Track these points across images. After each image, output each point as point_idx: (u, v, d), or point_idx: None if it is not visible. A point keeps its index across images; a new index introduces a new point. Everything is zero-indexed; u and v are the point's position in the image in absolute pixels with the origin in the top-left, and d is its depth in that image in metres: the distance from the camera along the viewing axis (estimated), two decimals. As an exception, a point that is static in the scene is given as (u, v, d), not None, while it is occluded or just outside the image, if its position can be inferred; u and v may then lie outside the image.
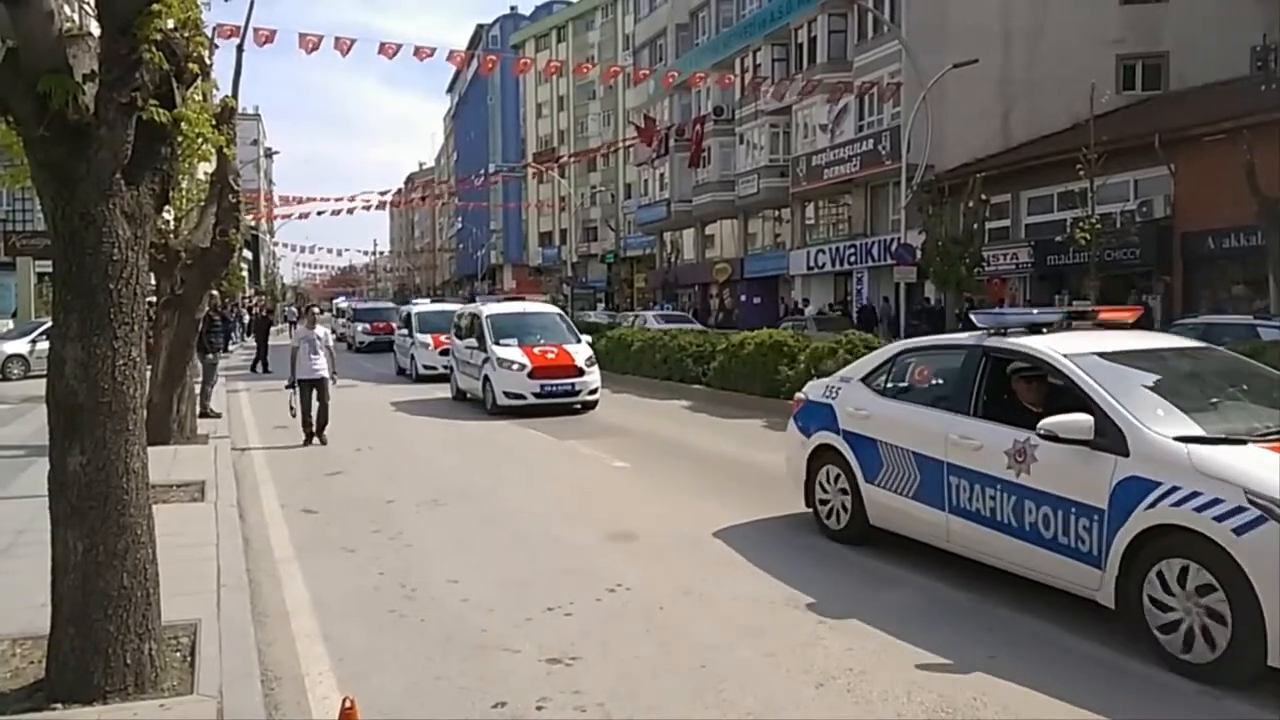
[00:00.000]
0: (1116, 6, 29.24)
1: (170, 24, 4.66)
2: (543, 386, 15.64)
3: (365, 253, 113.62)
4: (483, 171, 71.93)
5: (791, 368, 15.68)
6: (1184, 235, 22.19)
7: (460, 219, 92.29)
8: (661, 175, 47.03)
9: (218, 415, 14.94)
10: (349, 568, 7.09)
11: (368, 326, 35.78)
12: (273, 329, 32.93)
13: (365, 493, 9.83)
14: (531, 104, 76.44)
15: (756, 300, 39.75)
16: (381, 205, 47.08)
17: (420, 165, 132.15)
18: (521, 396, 15.58)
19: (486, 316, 17.19)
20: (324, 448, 12.88)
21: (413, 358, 22.96)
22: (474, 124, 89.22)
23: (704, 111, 42.32)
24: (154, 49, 4.38)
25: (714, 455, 11.56)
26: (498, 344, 16.21)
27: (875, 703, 4.61)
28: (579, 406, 16.18)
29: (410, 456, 12.21)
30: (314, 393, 12.87)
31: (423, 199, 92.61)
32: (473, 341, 17.05)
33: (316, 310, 13.96)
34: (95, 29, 4.47)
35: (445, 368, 20.09)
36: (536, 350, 16.06)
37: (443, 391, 19.39)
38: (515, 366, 15.70)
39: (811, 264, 36.19)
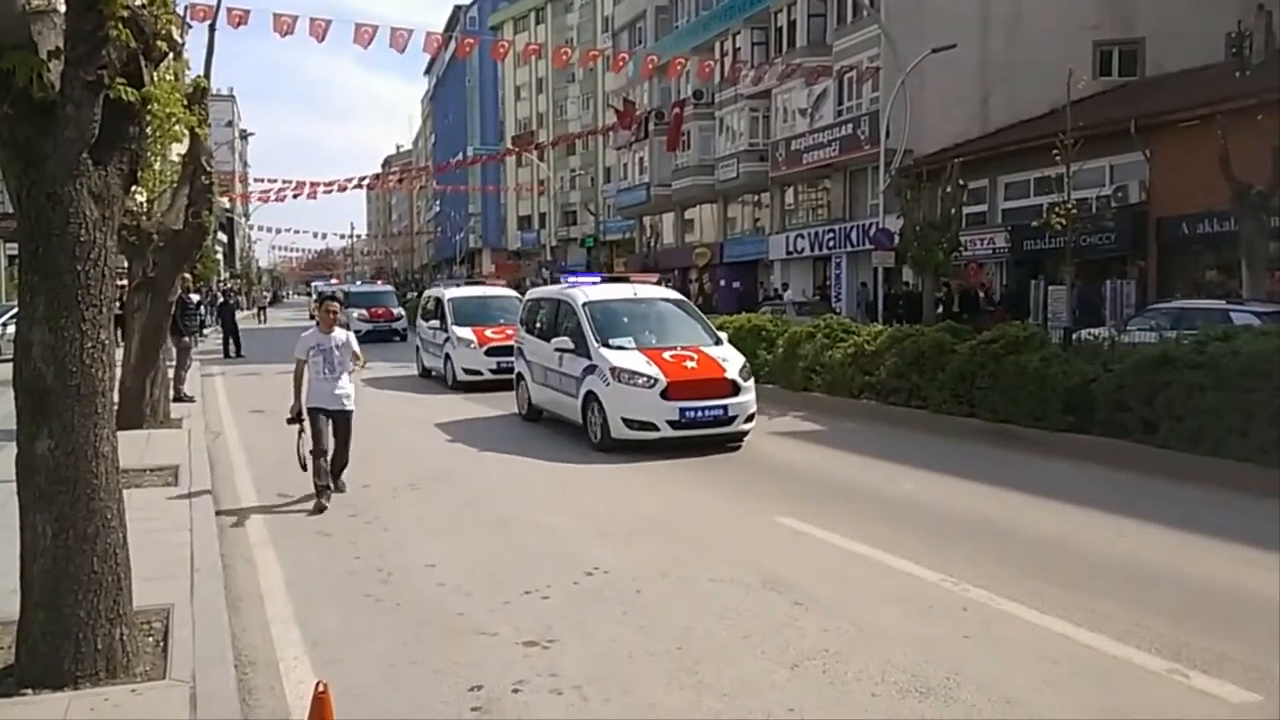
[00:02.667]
0: (1093, -8, 29.30)
1: (138, 1, 4.59)
2: (683, 412, 10.65)
3: (342, 236, 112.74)
4: (461, 154, 71.42)
5: (770, 351, 15.75)
6: (1159, 220, 22.35)
7: (438, 202, 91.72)
8: (641, 159, 46.87)
9: (191, 400, 14.80)
10: (324, 552, 7.06)
11: (364, 313, 32.09)
12: (239, 313, 32.70)
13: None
14: (510, 87, 75.90)
15: (736, 285, 39.76)
16: (359, 187, 46.65)
17: (398, 148, 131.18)
18: (651, 426, 10.66)
19: (583, 305, 12.02)
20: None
21: (448, 358, 17.97)
22: (452, 106, 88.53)
23: (683, 95, 42.17)
24: (121, 26, 4.30)
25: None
26: (605, 346, 11.33)
27: (850, 683, 4.64)
28: (730, 442, 11.11)
29: (386, 441, 12.14)
30: (329, 426, 8.45)
31: (400, 182, 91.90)
32: (565, 342, 11.88)
33: (335, 302, 9.16)
34: (61, 5, 4.38)
35: (494, 371, 16.83)
36: (668, 357, 11.18)
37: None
38: (643, 381, 10.74)
39: (791, 249, 36.22)
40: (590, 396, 11.22)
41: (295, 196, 40.92)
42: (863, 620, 5.45)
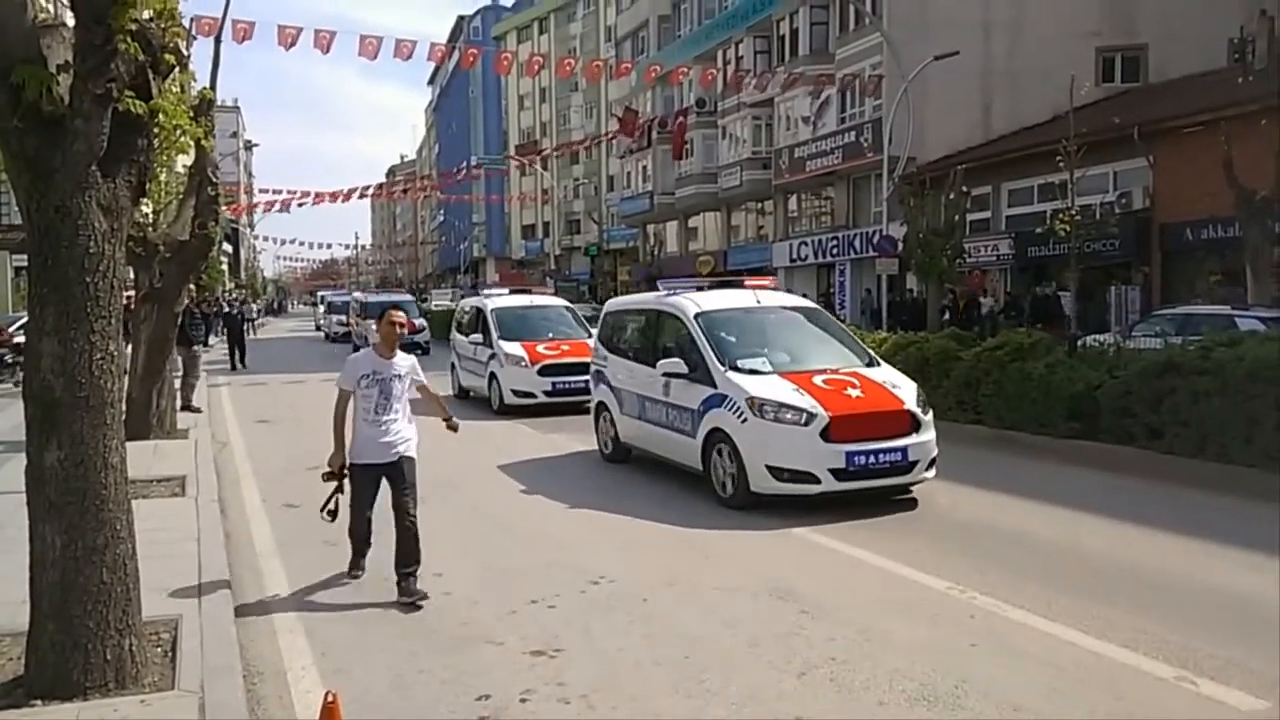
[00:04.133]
0: (1095, -1, 29.37)
1: (146, 14, 4.62)
2: (851, 458, 8.07)
3: (347, 246, 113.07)
4: (464, 164, 71.59)
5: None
6: (1163, 226, 22.33)
7: (442, 212, 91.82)
8: (644, 167, 46.93)
9: (199, 410, 14.84)
10: (331, 562, 7.06)
11: None
12: (248, 323, 32.63)
13: (348, 487, 9.76)
14: (513, 96, 76.11)
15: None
16: (363, 197, 46.76)
17: (402, 158, 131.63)
18: (808, 478, 8.06)
19: (695, 317, 9.51)
20: (307, 442, 12.76)
21: (493, 378, 15.52)
22: (455, 116, 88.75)
23: (686, 104, 42.25)
24: (129, 39, 4.34)
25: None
26: (734, 369, 8.83)
27: (857, 691, 4.64)
28: (904, 493, 8.69)
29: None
30: (376, 487, 6.35)
31: (404, 192, 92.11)
32: (674, 365, 9.32)
33: (402, 313, 6.52)
34: (70, 19, 4.42)
35: (549, 394, 14.74)
36: (821, 383, 8.57)
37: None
38: (795, 416, 8.17)
39: (794, 256, 36.24)
40: (716, 436, 8.64)
41: (300, 206, 41.05)
42: (870, 628, 5.44)
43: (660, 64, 34.85)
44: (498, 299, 17.31)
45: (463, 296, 57.16)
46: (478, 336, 16.38)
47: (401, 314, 6.25)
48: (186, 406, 14.50)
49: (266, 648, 5.32)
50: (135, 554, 4.59)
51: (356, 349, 31.45)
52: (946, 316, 21.42)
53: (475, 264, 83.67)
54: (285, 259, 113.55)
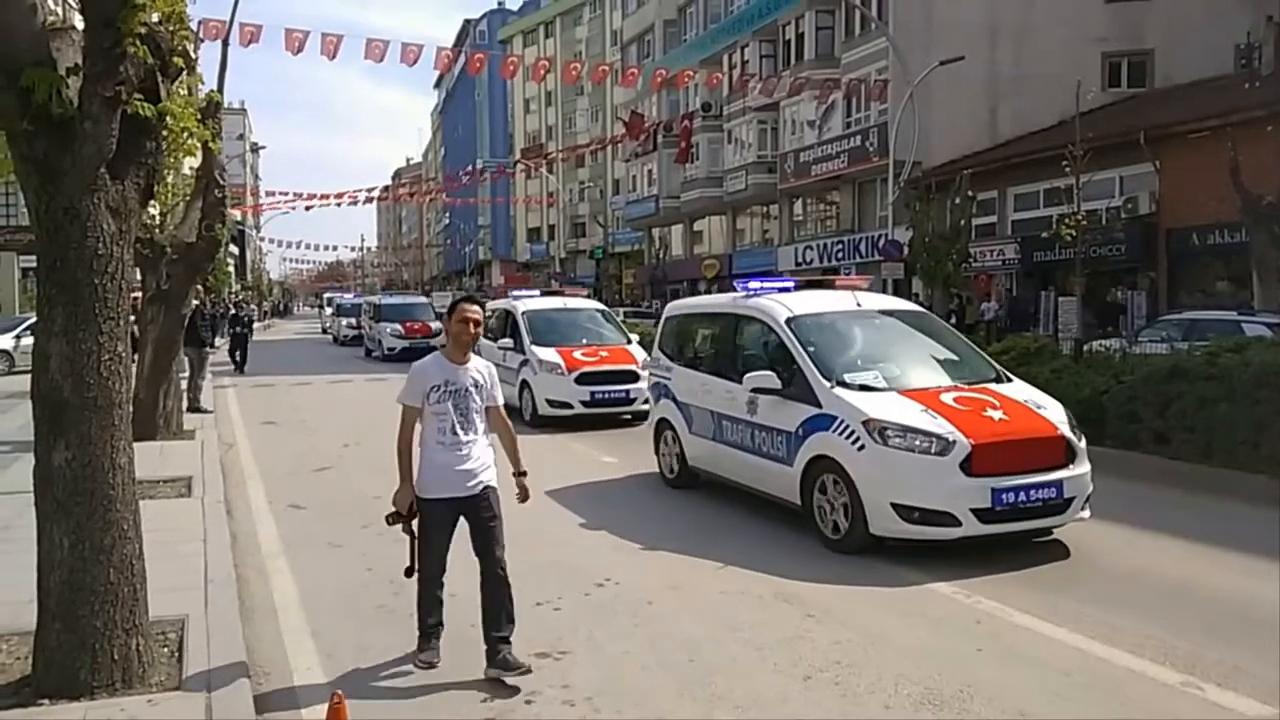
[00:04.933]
0: (1101, 4, 29.33)
1: (155, 17, 4.65)
2: (999, 495, 6.68)
3: (353, 248, 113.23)
4: (470, 167, 71.73)
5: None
6: (1169, 231, 22.31)
7: (448, 214, 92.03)
8: (650, 171, 46.99)
9: (209, 412, 14.89)
10: (337, 563, 7.08)
11: (398, 328, 28.39)
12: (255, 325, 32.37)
13: (353, 488, 9.80)
14: (519, 99, 76.25)
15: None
16: (369, 200, 46.89)
17: (408, 160, 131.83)
18: (946, 519, 6.67)
19: (787, 322, 8.10)
20: (313, 444, 12.80)
21: (525, 386, 14.40)
22: (461, 119, 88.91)
23: (692, 108, 42.30)
24: (138, 42, 4.35)
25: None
26: (841, 385, 7.41)
27: (863, 695, 4.63)
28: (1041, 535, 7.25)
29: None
30: (452, 527, 5.13)
31: (410, 195, 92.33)
32: (764, 379, 7.86)
33: (477, 308, 5.15)
34: (79, 22, 4.44)
35: (588, 404, 13.77)
36: (952, 401, 7.19)
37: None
38: (926, 444, 6.79)
39: (800, 260, 36.23)
40: (822, 465, 7.27)
41: (307, 209, 41.19)
42: (875, 632, 5.44)
43: (666, 68, 34.87)
44: (528, 301, 16.12)
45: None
46: (508, 342, 15.13)
47: (476, 308, 5.02)
48: (194, 407, 14.54)
49: (272, 648, 5.33)
50: (142, 554, 4.61)
51: (369, 353, 30.38)
52: (953, 320, 21.42)
53: (480, 267, 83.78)
54: (291, 261, 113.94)
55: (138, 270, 12.48)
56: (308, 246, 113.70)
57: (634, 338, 15.45)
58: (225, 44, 14.32)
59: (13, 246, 32.14)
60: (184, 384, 14.13)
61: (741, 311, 8.94)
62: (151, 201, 9.25)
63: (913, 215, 23.10)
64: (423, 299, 36.85)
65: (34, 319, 4.91)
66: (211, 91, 11.84)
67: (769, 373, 7.88)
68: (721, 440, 8.72)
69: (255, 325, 38.28)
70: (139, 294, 13.19)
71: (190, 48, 5.44)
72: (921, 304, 26.19)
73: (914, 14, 28.88)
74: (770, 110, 36.90)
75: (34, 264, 4.84)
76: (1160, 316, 18.31)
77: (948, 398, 7.25)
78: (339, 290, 77.75)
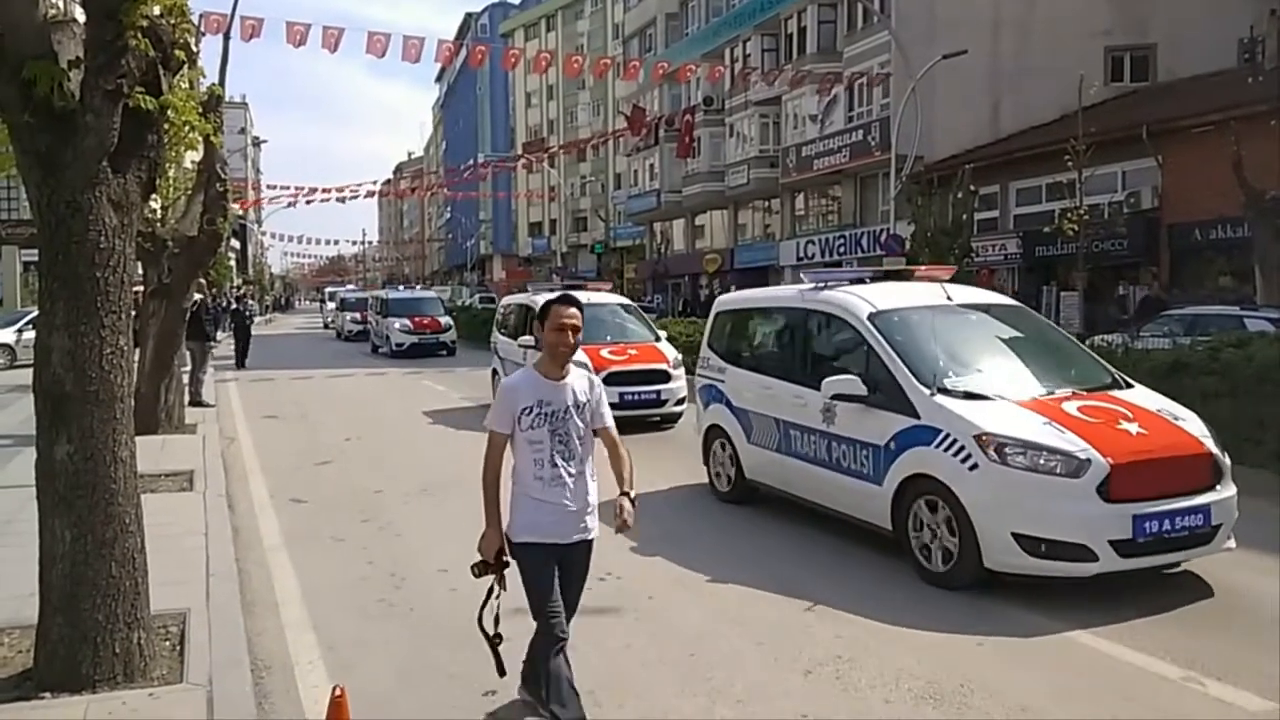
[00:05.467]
0: (1105, -2, 29.30)
1: (156, 10, 4.64)
2: (1141, 524, 5.70)
3: (354, 242, 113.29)
4: (472, 161, 71.74)
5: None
6: (1171, 226, 22.27)
7: (449, 209, 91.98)
8: (651, 165, 46.93)
9: (211, 406, 14.90)
10: (338, 557, 7.09)
11: (407, 322, 27.56)
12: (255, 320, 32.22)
13: (354, 482, 9.81)
14: (521, 93, 76.16)
15: (746, 291, 39.72)
16: (371, 194, 46.83)
17: (409, 155, 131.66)
18: (1080, 553, 5.70)
19: (869, 318, 7.12)
20: (314, 438, 12.80)
21: None
22: (463, 113, 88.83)
23: (694, 102, 42.23)
24: (140, 35, 4.35)
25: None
26: (944, 392, 6.44)
27: (864, 689, 4.64)
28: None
29: (398, 446, 12.18)
30: (556, 565, 4.22)
31: (411, 189, 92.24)
32: (845, 384, 6.91)
33: (576, 310, 4.09)
34: (80, 15, 4.43)
35: (617, 406, 10.43)
36: (1076, 413, 6.20)
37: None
38: (1052, 463, 5.82)
39: (801, 254, 36.18)
40: (921, 486, 6.31)
41: (308, 203, 41.12)
42: (875, 627, 5.44)
43: (668, 62, 34.87)
44: (549, 296, 15.44)
45: (472, 293, 56.60)
46: (528, 339, 13.80)
47: (576, 312, 4.04)
48: (196, 401, 14.55)
49: (274, 642, 5.34)
50: (144, 548, 4.61)
51: (375, 349, 29.67)
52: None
53: (482, 261, 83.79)
54: (293, 255, 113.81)
55: (139, 264, 12.48)
56: (309, 241, 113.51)
57: (661, 334, 14.80)
58: (227, 37, 14.32)
59: (15, 240, 32.14)
60: (186, 378, 14.14)
61: (813, 306, 7.82)
62: (153, 195, 9.25)
63: (914, 210, 23.04)
64: (431, 293, 35.99)
65: (36, 313, 4.90)
66: (213, 85, 11.82)
67: (852, 377, 6.86)
68: (789, 452, 7.71)
69: (256, 320, 38.26)
70: (141, 288, 13.19)
71: (191, 41, 5.43)
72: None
73: (916, 8, 28.82)
74: (772, 104, 36.85)
75: (36, 258, 4.82)
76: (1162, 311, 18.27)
77: (1071, 407, 6.22)
78: (341, 284, 77.67)
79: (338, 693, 3.46)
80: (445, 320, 28.79)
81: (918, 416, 6.38)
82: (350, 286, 59.14)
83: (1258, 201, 15.96)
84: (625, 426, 12.09)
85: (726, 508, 8.51)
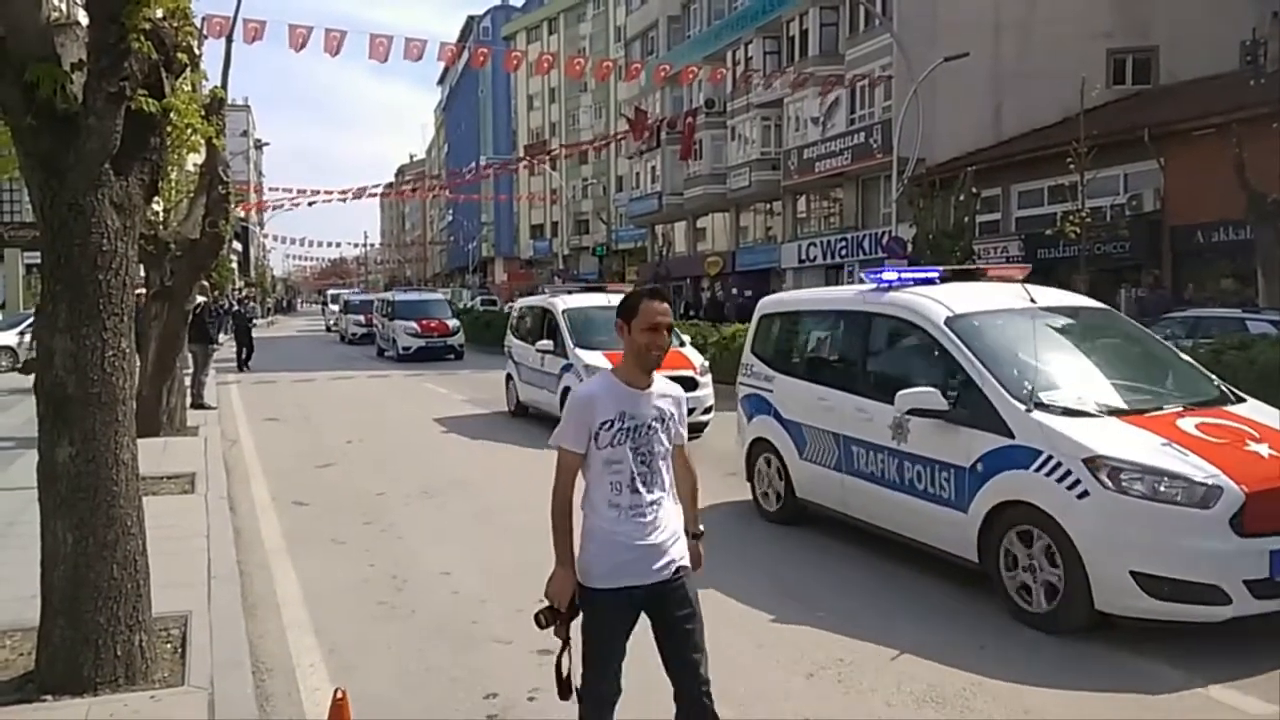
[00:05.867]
0: (1106, 0, 29.29)
1: (159, 13, 4.65)
2: (1277, 557, 5.01)
3: (356, 245, 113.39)
4: (474, 164, 71.80)
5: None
6: (1173, 229, 22.26)
7: (451, 211, 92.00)
8: (653, 168, 46.95)
9: (213, 408, 14.91)
10: (340, 559, 7.09)
11: (414, 325, 27.08)
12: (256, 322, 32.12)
13: (356, 485, 9.82)
14: (523, 96, 76.25)
15: (748, 293, 39.75)
16: (372, 196, 46.92)
17: (411, 157, 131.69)
18: (1212, 594, 4.99)
19: (949, 323, 6.43)
20: (316, 440, 12.81)
21: (568, 394, 11.87)
22: (465, 116, 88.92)
23: (695, 104, 42.25)
24: (143, 38, 4.35)
25: (702, 451, 11.48)
26: (1042, 407, 5.72)
27: (865, 692, 4.63)
28: None
29: (400, 448, 12.18)
30: (632, 625, 3.65)
31: (413, 191, 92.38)
32: (925, 398, 6.18)
33: (665, 305, 3.41)
34: (83, 17, 4.44)
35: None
36: (1195, 431, 5.54)
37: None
38: (1173, 490, 5.13)
39: (803, 257, 36.19)
40: (1016, 515, 5.60)
41: (310, 205, 41.18)
42: (878, 629, 5.43)
43: (669, 64, 34.86)
44: (568, 299, 14.52)
45: (473, 295, 56.46)
46: (547, 343, 13.63)
47: (667, 308, 3.41)
48: (198, 404, 14.56)
49: (275, 644, 5.33)
50: (145, 550, 4.61)
51: (381, 353, 29.10)
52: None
53: (484, 263, 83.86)
54: (295, 258, 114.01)
55: (141, 267, 12.50)
56: (311, 243, 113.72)
57: (685, 339, 14.12)
58: (229, 40, 14.30)
59: (17, 242, 32.19)
60: (188, 380, 14.15)
61: (877, 309, 7.08)
62: (155, 198, 9.25)
63: (916, 212, 23.05)
64: (439, 295, 34.93)
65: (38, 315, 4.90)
66: (215, 88, 11.82)
67: (930, 390, 6.10)
68: (851, 471, 6.98)
69: (258, 322, 38.22)
70: (143, 290, 13.21)
71: (194, 43, 5.43)
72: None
73: (918, 10, 28.81)
74: (774, 107, 36.86)
75: (38, 260, 4.83)
76: (1164, 314, 18.26)
77: (1188, 425, 5.51)
78: (343, 287, 77.68)
79: (339, 695, 3.46)
80: (453, 323, 28.36)
81: (1011, 435, 5.64)
82: (356, 291, 59.04)
83: (1260, 204, 15.95)
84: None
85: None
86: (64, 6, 5.58)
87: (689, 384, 12.12)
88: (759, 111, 37.62)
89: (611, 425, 3.35)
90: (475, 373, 22.99)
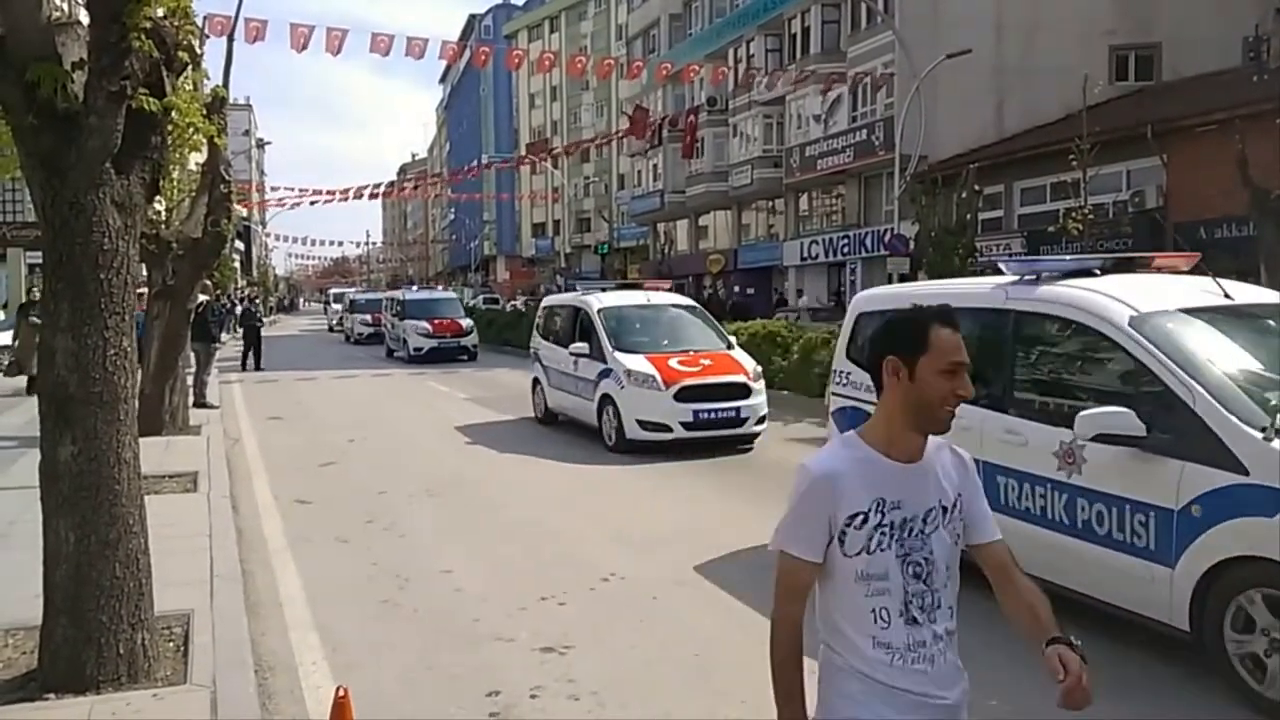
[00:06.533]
0: (1109, -3, 29.28)
1: (160, 12, 4.65)
2: None
3: (358, 244, 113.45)
4: (475, 162, 71.80)
5: (785, 358, 15.78)
6: (1176, 225, 22.21)
7: (453, 210, 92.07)
8: (655, 166, 46.95)
9: (215, 407, 14.92)
10: (342, 558, 7.09)
11: (426, 325, 26.03)
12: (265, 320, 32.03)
13: (358, 483, 9.82)
14: (524, 94, 76.25)
15: (750, 291, 39.75)
16: (374, 196, 46.89)
17: (413, 156, 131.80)
18: None
19: (1135, 323, 5.13)
20: (318, 439, 12.82)
21: (607, 402, 11.77)
22: (466, 114, 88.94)
23: (697, 102, 42.23)
24: (144, 37, 4.35)
25: (708, 443, 11.48)
26: None
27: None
28: None
29: (402, 446, 12.18)
30: None
31: (415, 189, 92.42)
32: (1118, 419, 4.85)
33: (955, 346, 2.20)
34: (84, 16, 4.44)
35: (690, 426, 11.13)
36: None
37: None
38: None
39: (805, 255, 36.18)
40: (1249, 575, 4.44)
41: (312, 204, 41.18)
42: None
43: (671, 62, 34.83)
44: (603, 297, 13.34)
45: (475, 294, 56.23)
46: (581, 346, 12.46)
47: (961, 341, 2.25)
48: (200, 403, 14.57)
49: (278, 643, 5.34)
50: (148, 549, 4.61)
51: (390, 353, 27.93)
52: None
53: (485, 262, 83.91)
54: (296, 257, 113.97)
55: (144, 266, 12.51)
56: (313, 242, 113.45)
57: (732, 340, 13.08)
58: (230, 39, 14.30)
59: (19, 242, 32.22)
60: (190, 379, 14.16)
61: (1028, 307, 5.80)
62: (157, 197, 9.24)
63: (918, 209, 22.99)
64: (452, 294, 33.20)
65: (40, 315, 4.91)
66: (217, 87, 11.82)
67: (1122, 411, 4.84)
68: (995, 506, 5.71)
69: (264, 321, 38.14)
70: (145, 290, 13.22)
71: (195, 43, 5.43)
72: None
73: (920, 7, 28.80)
74: (775, 105, 36.83)
75: (40, 260, 4.83)
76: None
77: None
78: (347, 285, 77.66)
79: (341, 694, 3.45)
80: (467, 323, 27.22)
81: (1243, 472, 4.40)
82: (360, 290, 58.54)
83: (1262, 200, 15.90)
84: (696, 450, 10.90)
85: (736, 515, 8.37)
86: (65, 6, 5.59)
87: (742, 391, 11.34)
88: (761, 109, 37.61)
89: (865, 520, 2.26)
90: (477, 370, 23.00)
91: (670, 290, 14.90)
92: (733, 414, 11.18)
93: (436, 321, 26.12)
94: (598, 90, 64.57)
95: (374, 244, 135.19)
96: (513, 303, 49.16)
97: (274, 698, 4.63)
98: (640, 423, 11.18)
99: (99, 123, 4.28)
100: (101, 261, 4.35)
